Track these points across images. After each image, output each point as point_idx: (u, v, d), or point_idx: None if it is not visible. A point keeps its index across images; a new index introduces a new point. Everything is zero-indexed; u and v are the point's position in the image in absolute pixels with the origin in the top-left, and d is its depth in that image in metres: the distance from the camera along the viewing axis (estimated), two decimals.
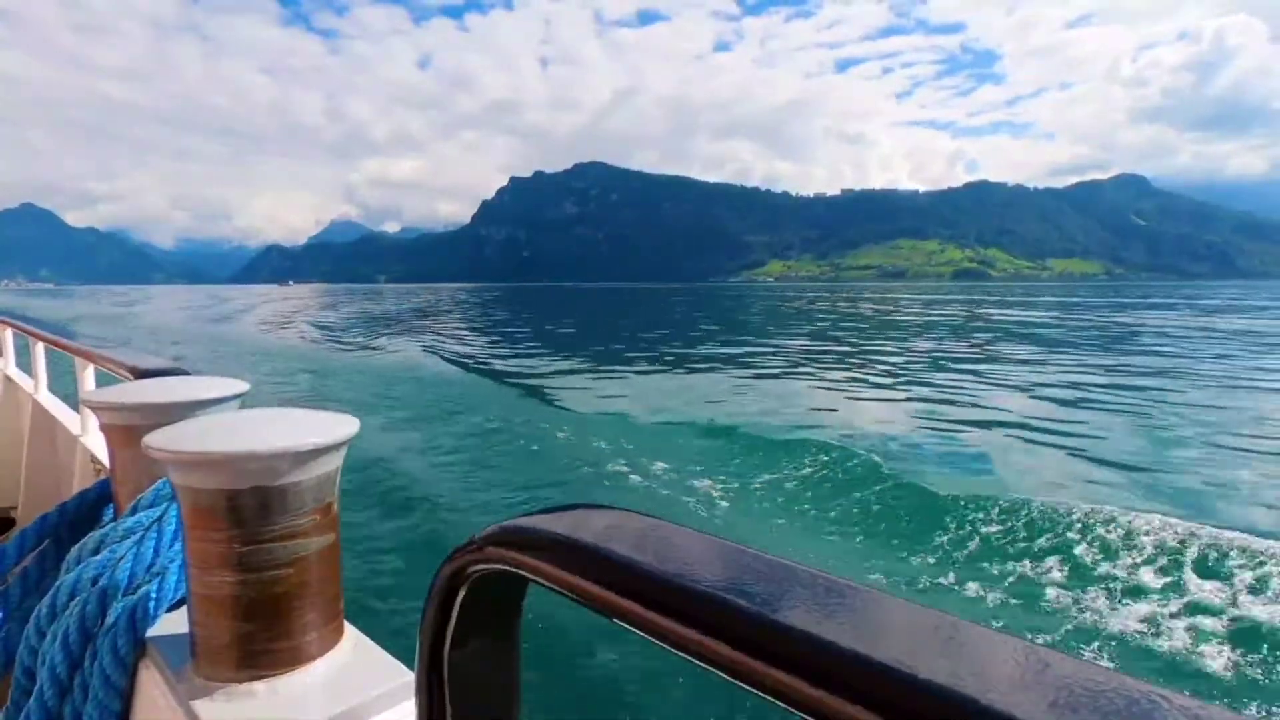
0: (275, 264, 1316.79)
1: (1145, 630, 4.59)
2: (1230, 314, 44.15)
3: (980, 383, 16.07)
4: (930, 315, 47.16)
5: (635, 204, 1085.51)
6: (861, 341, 27.81)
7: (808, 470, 8.15)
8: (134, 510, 1.04)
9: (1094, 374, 17.32)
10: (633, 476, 7.89)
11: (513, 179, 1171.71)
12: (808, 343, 27.42)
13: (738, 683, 0.33)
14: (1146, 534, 5.88)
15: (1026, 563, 5.61)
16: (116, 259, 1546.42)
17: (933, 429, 11.05)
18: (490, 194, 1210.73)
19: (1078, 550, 5.74)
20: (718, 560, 0.39)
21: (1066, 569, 5.48)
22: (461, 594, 0.50)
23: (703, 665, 0.34)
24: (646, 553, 0.40)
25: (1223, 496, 7.52)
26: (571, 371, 18.58)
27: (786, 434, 10.14)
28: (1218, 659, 4.28)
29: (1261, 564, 5.28)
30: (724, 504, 6.99)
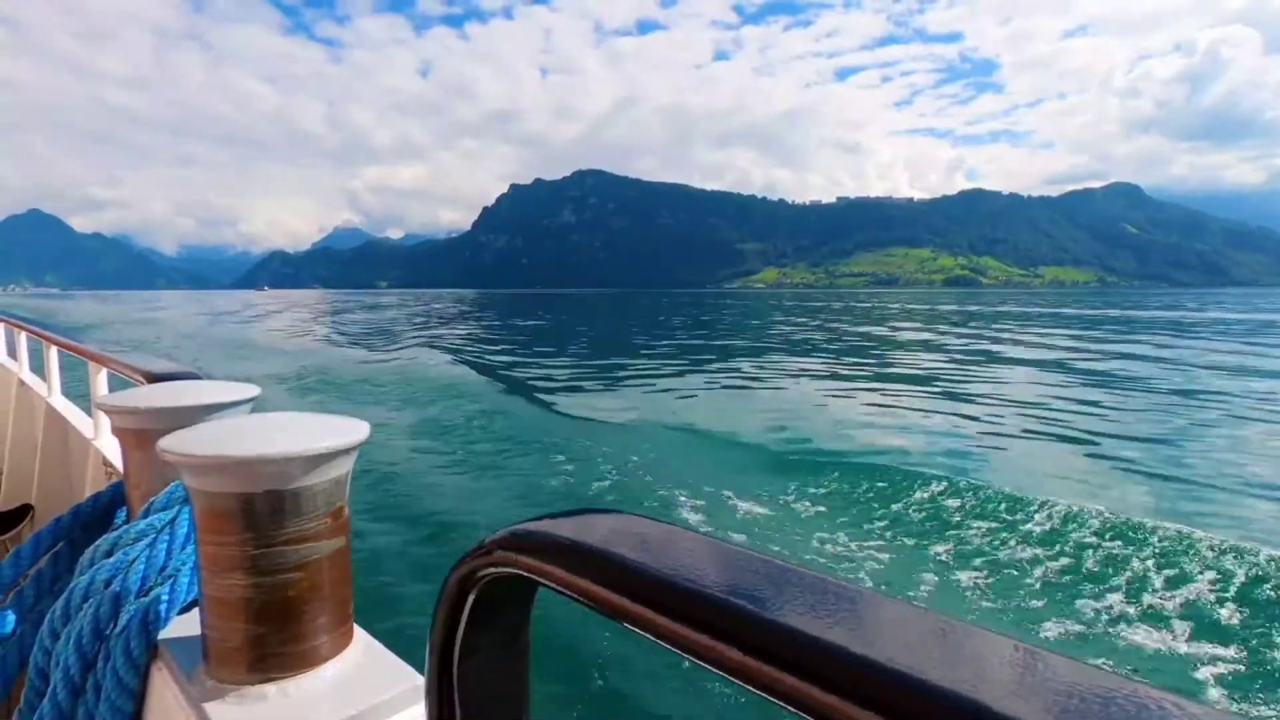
0: (277, 270, 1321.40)
1: (1153, 636, 4.59)
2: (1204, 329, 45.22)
3: (979, 384, 15.94)
4: (922, 321, 47.34)
5: (632, 211, 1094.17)
6: (855, 346, 27.80)
7: (807, 471, 8.21)
8: (146, 513, 1.06)
9: (1096, 375, 17.23)
10: (639, 481, 7.94)
11: (513, 186, 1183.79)
12: (803, 348, 27.28)
13: (748, 687, 0.33)
14: (1147, 537, 5.89)
15: (1031, 565, 5.57)
16: (120, 265, 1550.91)
17: (928, 430, 11.00)
18: (491, 201, 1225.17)
19: (1087, 554, 5.75)
20: (726, 564, 0.40)
21: (1075, 573, 5.47)
22: (471, 598, 0.51)
23: (712, 669, 0.34)
24: (656, 557, 0.41)
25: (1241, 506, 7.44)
26: (575, 376, 18.75)
27: (787, 436, 10.36)
28: (1227, 666, 4.26)
29: (1266, 571, 5.30)
30: (727, 507, 7.01)
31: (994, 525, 6.47)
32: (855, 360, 23.02)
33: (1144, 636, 4.65)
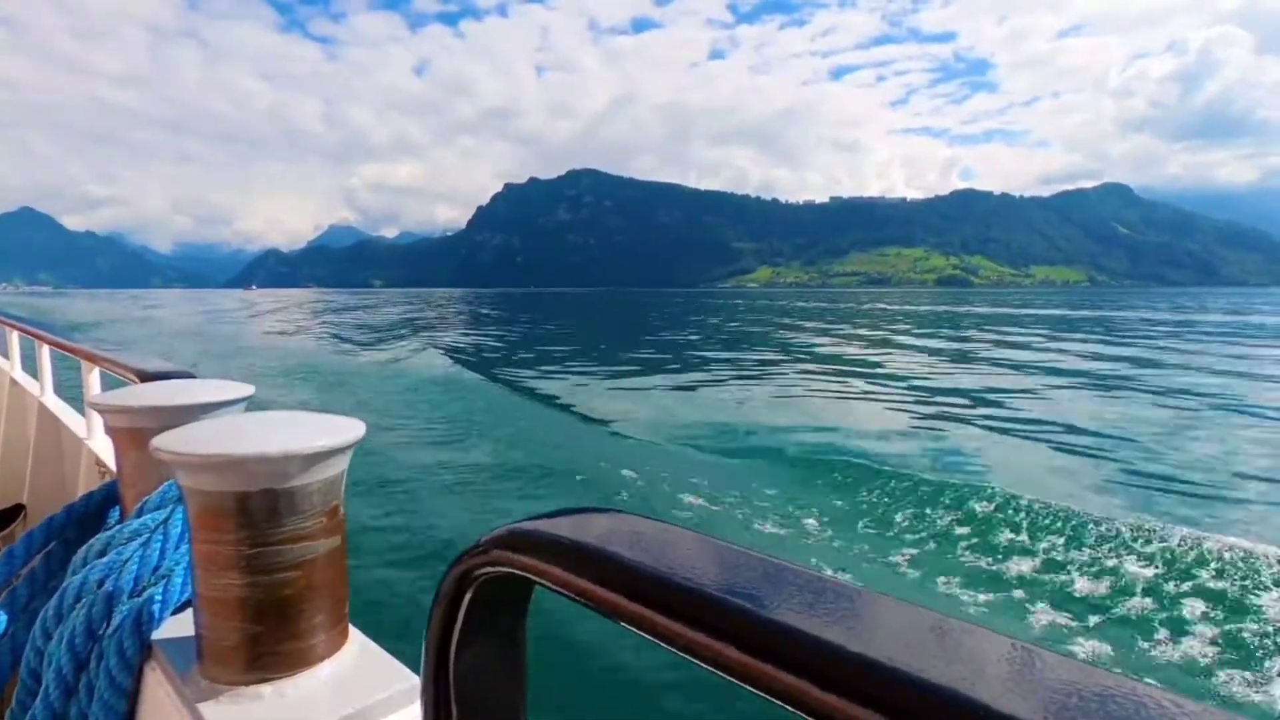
0: (272, 269, 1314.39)
1: (1152, 634, 4.60)
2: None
3: (974, 383, 15.97)
4: (911, 321, 47.53)
5: (627, 211, 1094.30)
6: (850, 344, 27.85)
7: (803, 470, 8.21)
8: (140, 512, 1.05)
9: (1079, 373, 17.28)
10: (636, 480, 7.91)
11: (508, 185, 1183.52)
12: (798, 347, 27.40)
13: (745, 685, 0.33)
14: (1144, 537, 5.95)
15: (1028, 563, 5.61)
16: (115, 263, 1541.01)
17: (925, 428, 11.03)
18: (487, 200, 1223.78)
19: (1085, 553, 5.80)
20: (723, 563, 0.40)
21: (1072, 572, 5.49)
22: (467, 597, 0.51)
23: (709, 668, 0.34)
24: (653, 556, 0.41)
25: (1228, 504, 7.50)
26: (571, 375, 18.70)
27: (782, 434, 10.39)
28: (1226, 665, 4.28)
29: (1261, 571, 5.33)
30: (723, 505, 7.00)
31: (991, 524, 6.54)
32: (848, 358, 23.19)
33: (1143, 635, 4.63)
